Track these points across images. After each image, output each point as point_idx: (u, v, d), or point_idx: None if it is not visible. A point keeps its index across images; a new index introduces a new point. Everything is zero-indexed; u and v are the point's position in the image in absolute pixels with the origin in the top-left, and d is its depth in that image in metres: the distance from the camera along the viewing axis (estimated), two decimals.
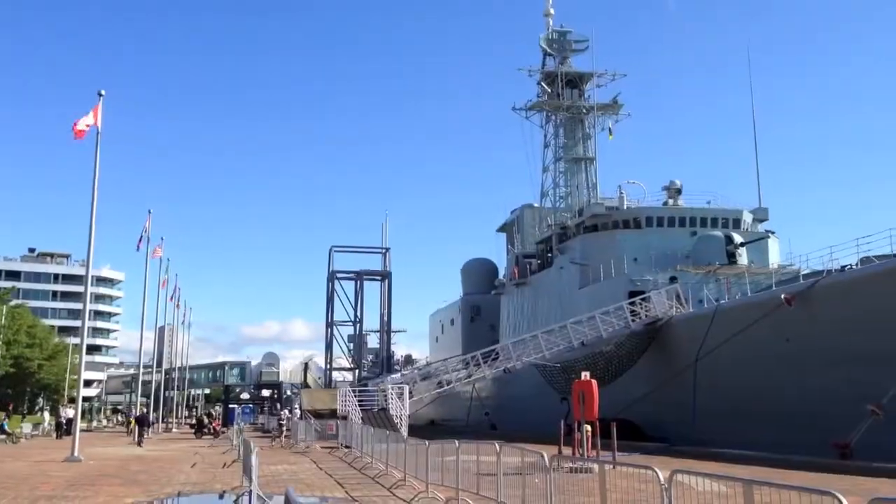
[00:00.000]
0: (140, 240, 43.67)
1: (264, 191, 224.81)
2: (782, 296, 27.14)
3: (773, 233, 44.75)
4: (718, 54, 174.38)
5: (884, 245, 25.30)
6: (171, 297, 59.29)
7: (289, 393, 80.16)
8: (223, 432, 51.11)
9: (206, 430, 49.73)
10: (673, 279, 38.18)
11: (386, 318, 76.94)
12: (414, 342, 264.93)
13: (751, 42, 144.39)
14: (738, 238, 40.68)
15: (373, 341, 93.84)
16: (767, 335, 28.07)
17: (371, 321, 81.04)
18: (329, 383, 70.81)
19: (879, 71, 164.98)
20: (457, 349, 59.96)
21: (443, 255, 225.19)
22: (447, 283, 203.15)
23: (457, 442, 14.79)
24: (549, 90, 56.55)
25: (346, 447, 29.85)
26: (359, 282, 75.16)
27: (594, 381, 21.55)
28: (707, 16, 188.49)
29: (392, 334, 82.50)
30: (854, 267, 26.28)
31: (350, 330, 76.91)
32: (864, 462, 20.39)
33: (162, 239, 50.72)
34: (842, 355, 25.30)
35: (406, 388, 36.25)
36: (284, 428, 38.13)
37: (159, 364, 65.29)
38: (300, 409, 40.61)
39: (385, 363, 74.94)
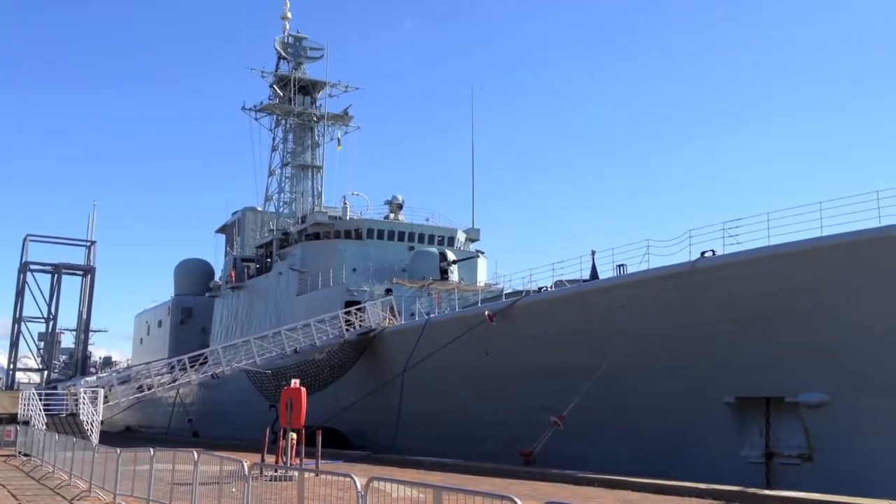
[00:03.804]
0: None
1: None
2: (485, 312, 28.97)
3: (482, 252, 47.79)
4: (448, 74, 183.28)
5: (575, 270, 28.20)
6: None
7: None
8: None
9: None
10: (388, 291, 39.30)
11: (85, 317, 72.06)
12: (116, 343, 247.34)
13: (475, 66, 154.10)
14: (451, 255, 42.94)
15: (68, 341, 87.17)
16: (470, 349, 29.78)
17: (68, 319, 75.70)
18: (12, 385, 65.19)
19: (604, 97, 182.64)
20: (163, 352, 57.29)
21: (157, 253, 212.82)
22: (161, 284, 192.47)
23: (152, 450, 14.03)
24: (282, 94, 56.07)
25: (26, 455, 27.39)
26: (56, 275, 69.93)
27: (303, 389, 21.42)
28: (436, 34, 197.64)
29: (91, 334, 77.57)
30: (549, 289, 28.77)
31: (42, 327, 71.65)
32: (545, 469, 22.30)
33: None
34: (533, 370, 27.52)
35: (101, 392, 33.81)
36: None
37: None
38: None
39: (80, 364, 69.94)
